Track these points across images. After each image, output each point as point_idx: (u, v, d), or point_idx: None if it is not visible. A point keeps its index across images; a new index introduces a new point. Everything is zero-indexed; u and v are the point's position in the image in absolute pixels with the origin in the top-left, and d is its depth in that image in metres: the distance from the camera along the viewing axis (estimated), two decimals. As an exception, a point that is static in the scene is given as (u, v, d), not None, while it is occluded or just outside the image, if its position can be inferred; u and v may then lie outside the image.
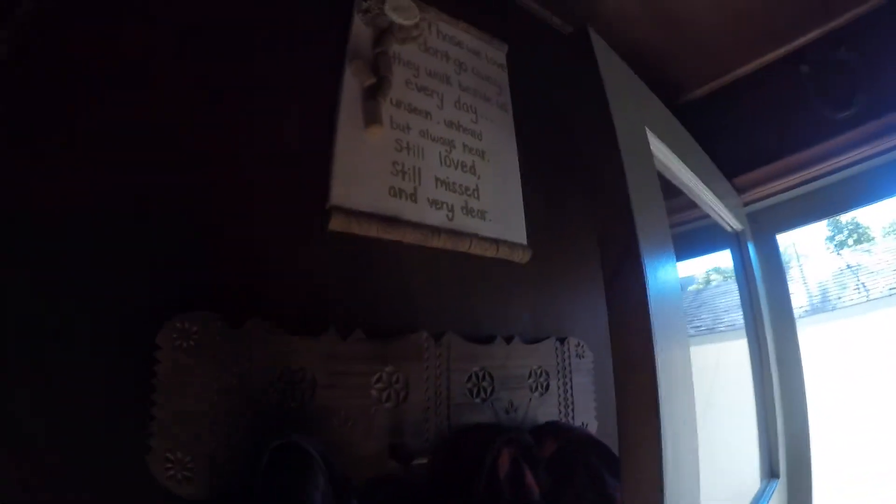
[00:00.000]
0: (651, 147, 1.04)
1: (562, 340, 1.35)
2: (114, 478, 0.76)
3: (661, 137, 1.14)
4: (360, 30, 1.26)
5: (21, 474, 0.71)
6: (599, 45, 0.93)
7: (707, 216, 1.63)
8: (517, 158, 1.45)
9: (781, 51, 1.59)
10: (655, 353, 0.71)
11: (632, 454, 0.74)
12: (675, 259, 0.95)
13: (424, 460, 1.00)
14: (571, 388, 1.33)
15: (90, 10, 0.93)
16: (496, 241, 1.28)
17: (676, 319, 0.89)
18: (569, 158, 1.58)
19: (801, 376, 1.59)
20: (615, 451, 1.07)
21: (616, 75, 0.97)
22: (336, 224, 1.06)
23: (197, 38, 1.03)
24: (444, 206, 1.23)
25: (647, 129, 1.05)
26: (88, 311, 0.80)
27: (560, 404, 1.30)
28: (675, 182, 1.33)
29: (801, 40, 1.54)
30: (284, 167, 1.07)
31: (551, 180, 1.54)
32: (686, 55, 1.69)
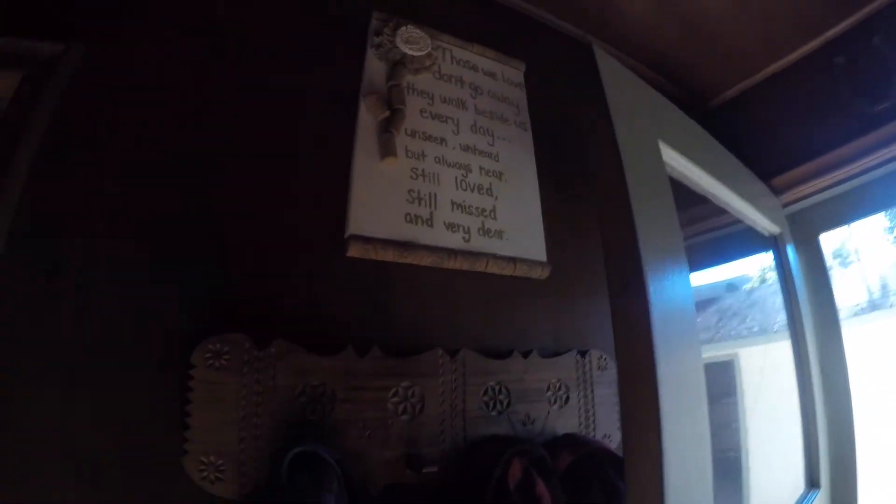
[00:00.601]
0: (665, 158, 1.04)
1: (583, 353, 1.37)
2: (156, 478, 0.89)
3: (679, 148, 1.13)
4: (374, 64, 1.34)
5: (80, 478, 0.84)
6: (604, 60, 0.95)
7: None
8: (536, 176, 1.48)
9: (813, 44, 1.50)
10: (658, 370, 0.72)
11: (635, 469, 0.76)
12: (687, 270, 0.94)
13: (435, 468, 1.05)
14: (593, 400, 1.34)
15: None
16: (513, 260, 1.32)
17: (685, 333, 0.88)
18: (587, 173, 1.58)
19: (846, 382, 1.49)
20: None
21: (623, 90, 0.99)
22: (354, 251, 1.14)
23: (221, 71, 1.15)
24: (461, 228, 1.28)
25: (660, 141, 1.05)
26: (134, 335, 0.93)
27: (581, 416, 1.31)
28: (703, 193, 1.31)
29: (833, 31, 1.46)
30: (305, 199, 1.17)
31: (573, 194, 1.55)
32: (712, 58, 1.64)
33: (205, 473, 0.89)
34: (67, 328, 0.88)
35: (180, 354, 0.93)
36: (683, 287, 0.91)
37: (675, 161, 1.13)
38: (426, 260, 1.21)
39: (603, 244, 0.90)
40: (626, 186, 0.84)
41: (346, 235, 1.15)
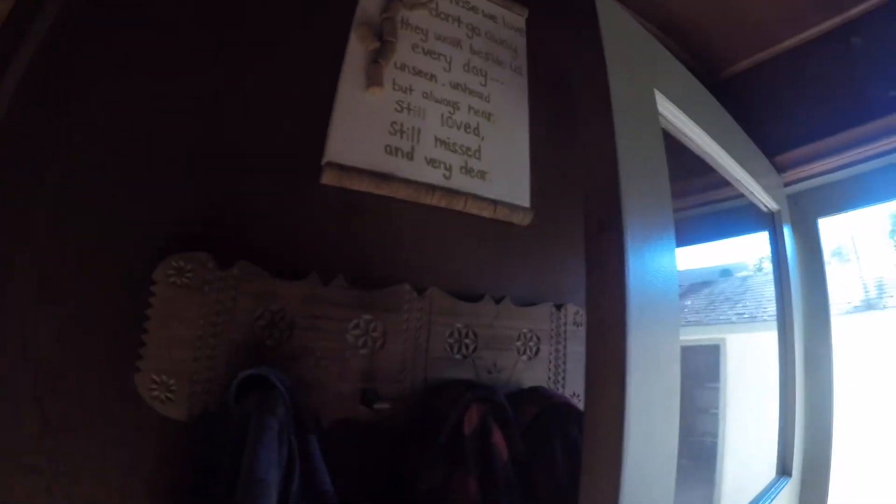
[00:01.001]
0: (660, 109, 1.00)
1: (559, 307, 1.34)
2: (109, 394, 0.89)
3: (677, 102, 1.08)
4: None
5: (35, 386, 0.84)
6: (606, 4, 0.90)
7: (742, 195, 1.52)
8: (527, 121, 1.44)
9: (833, 21, 1.41)
10: (628, 325, 0.68)
11: (594, 425, 0.71)
12: (672, 228, 0.89)
13: (387, 404, 1.04)
14: (565, 355, 1.32)
15: None
16: (494, 202, 1.30)
17: (663, 284, 0.83)
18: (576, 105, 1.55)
19: (830, 373, 1.43)
20: None
21: (620, 30, 0.94)
22: (328, 178, 1.13)
23: None
24: (442, 165, 1.26)
25: (656, 90, 1.00)
26: (103, 248, 0.93)
27: (550, 370, 1.29)
28: (702, 156, 1.26)
29: (855, 11, 1.37)
30: (285, 120, 1.15)
31: (565, 145, 1.51)
32: (727, 25, 1.55)
33: (155, 392, 0.89)
34: (42, 238, 0.89)
35: (144, 270, 0.92)
36: (665, 236, 0.87)
37: (672, 114, 1.08)
38: (402, 193, 1.20)
39: (583, 180, 0.85)
40: (613, 123, 0.78)
41: (323, 161, 1.14)
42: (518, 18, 1.55)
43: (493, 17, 1.50)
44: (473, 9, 1.48)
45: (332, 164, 1.14)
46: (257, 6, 1.19)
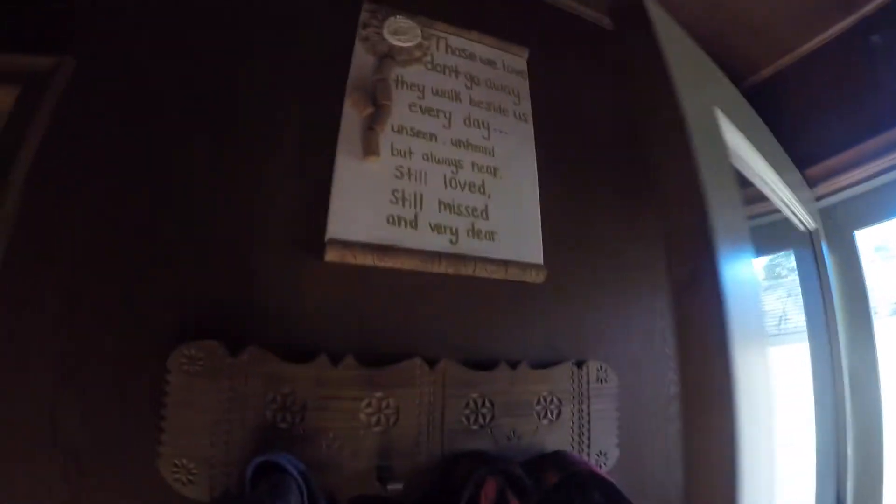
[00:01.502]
0: (723, 131, 0.91)
1: (580, 364, 1.28)
2: (134, 475, 0.93)
3: (733, 120, 1.00)
4: (362, 58, 1.29)
5: (64, 466, 0.89)
6: (658, 14, 0.82)
7: (774, 212, 1.43)
8: (535, 170, 1.38)
9: (848, 21, 1.32)
10: (735, 398, 0.60)
11: None
12: (752, 261, 0.81)
13: (400, 486, 1.01)
14: (589, 414, 1.25)
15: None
16: (505, 263, 1.24)
17: (757, 332, 0.74)
18: (595, 164, 1.49)
19: (879, 392, 1.34)
20: (622, 490, 1.01)
21: (678, 48, 0.86)
22: (332, 255, 1.11)
23: (198, 65, 1.16)
24: (448, 230, 1.22)
25: (717, 109, 0.92)
26: (117, 333, 0.97)
27: (574, 432, 1.23)
28: (745, 173, 1.18)
29: (870, 6, 1.27)
30: (285, 200, 1.15)
31: (577, 188, 1.45)
32: (741, 35, 1.48)
33: (177, 475, 0.92)
34: (57, 322, 0.94)
35: (159, 356, 0.95)
36: (751, 276, 0.78)
37: (730, 134, 0.98)
38: (409, 264, 1.16)
39: (665, 228, 0.77)
40: (694, 156, 0.70)
41: (326, 239, 1.12)
42: (518, 60, 1.49)
43: (491, 63, 1.45)
44: (470, 56, 1.43)
45: (334, 241, 1.11)
46: (250, 83, 1.19)
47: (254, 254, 1.10)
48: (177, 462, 0.92)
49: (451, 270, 1.20)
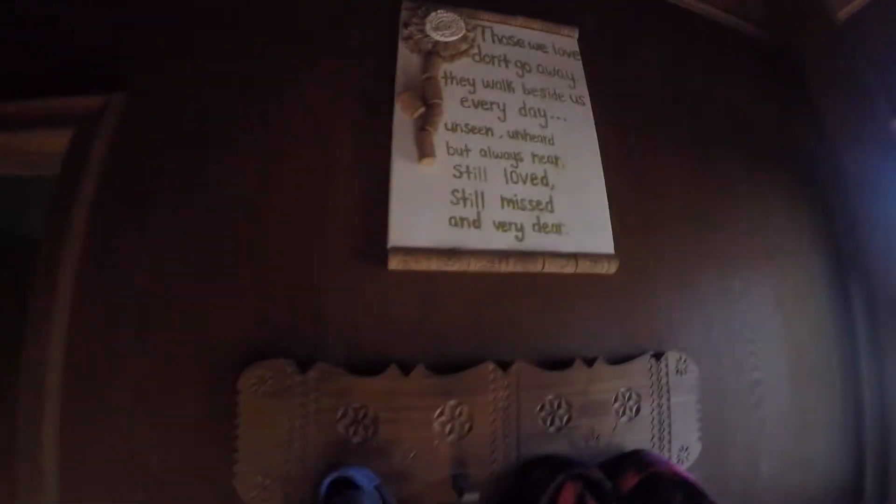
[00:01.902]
0: None
1: (658, 356, 1.20)
2: (211, 494, 0.96)
3: None
4: (407, 58, 1.25)
5: (143, 491, 0.93)
6: None
7: None
8: (598, 155, 1.30)
9: None
10: None
11: None
12: None
13: (476, 496, 0.97)
14: (669, 408, 1.17)
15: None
16: (574, 256, 1.18)
17: None
18: (665, 136, 1.41)
19: None
20: (704, 488, 0.94)
21: None
22: (395, 264, 1.08)
23: (247, 87, 1.17)
24: (513, 226, 1.16)
25: None
26: (187, 356, 1.00)
27: (654, 428, 1.15)
28: None
29: None
30: (345, 212, 1.13)
31: (646, 168, 1.36)
32: None
33: (254, 493, 0.94)
34: (130, 351, 0.98)
35: (228, 376, 0.98)
36: None
37: None
38: (475, 266, 1.12)
39: None
40: None
41: (388, 247, 1.09)
42: (569, 41, 1.41)
43: (541, 47, 1.38)
44: (519, 42, 1.36)
45: (396, 249, 1.08)
46: (299, 99, 1.19)
47: (316, 268, 1.09)
48: (252, 480, 0.94)
49: (519, 269, 1.14)
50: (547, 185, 1.23)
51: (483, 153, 1.21)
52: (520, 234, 1.16)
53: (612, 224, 1.25)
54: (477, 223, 1.14)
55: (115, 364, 0.96)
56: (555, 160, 1.26)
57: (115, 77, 1.12)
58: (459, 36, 1.27)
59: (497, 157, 1.21)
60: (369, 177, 1.15)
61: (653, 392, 1.18)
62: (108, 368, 0.96)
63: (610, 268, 1.21)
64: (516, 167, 1.22)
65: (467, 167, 1.18)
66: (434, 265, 1.09)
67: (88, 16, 1.16)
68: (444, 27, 1.26)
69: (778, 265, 1.44)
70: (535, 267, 1.15)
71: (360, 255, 1.11)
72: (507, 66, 1.32)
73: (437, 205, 1.14)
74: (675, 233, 1.33)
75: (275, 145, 1.14)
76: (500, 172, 1.20)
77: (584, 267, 1.18)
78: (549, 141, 1.27)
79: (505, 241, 1.15)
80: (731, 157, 1.48)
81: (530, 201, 1.20)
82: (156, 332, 0.99)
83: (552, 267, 1.16)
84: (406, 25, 1.27)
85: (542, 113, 1.30)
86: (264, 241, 1.08)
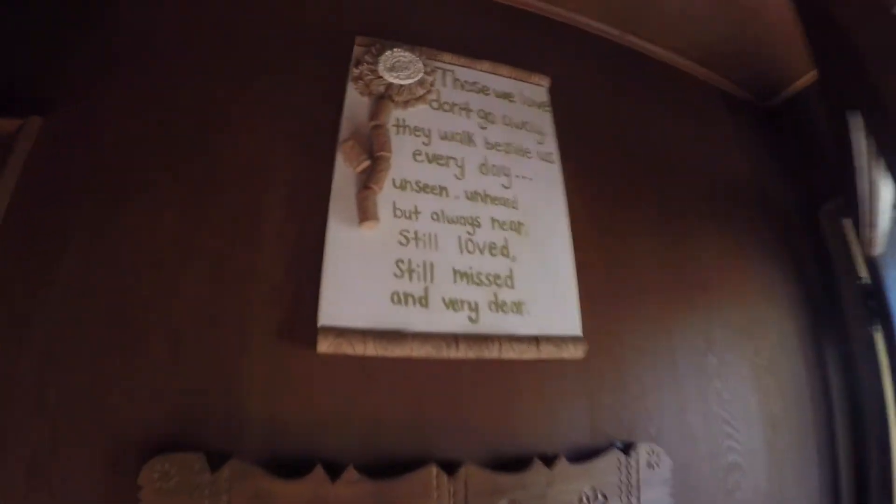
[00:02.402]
0: None
1: (627, 449, 1.06)
2: None
3: None
4: (356, 101, 1.10)
5: None
6: None
7: None
8: (567, 220, 1.16)
9: None
10: None
11: None
12: None
13: None
14: (638, 506, 1.03)
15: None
16: (536, 339, 1.03)
17: None
18: (637, 198, 1.30)
19: None
20: None
21: None
22: (326, 346, 0.91)
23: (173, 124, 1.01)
24: (466, 305, 1.01)
25: None
26: (87, 436, 0.82)
27: (623, 532, 1.01)
28: None
29: None
30: (270, 281, 0.96)
31: (617, 234, 1.23)
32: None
33: None
34: (28, 414, 0.81)
35: (131, 462, 0.82)
36: None
37: None
38: (419, 351, 0.95)
39: None
40: None
41: (318, 326, 0.92)
42: (539, 90, 1.28)
43: (507, 96, 1.24)
44: (483, 90, 1.22)
45: (327, 329, 0.92)
46: (230, 141, 1.04)
47: (235, 346, 0.92)
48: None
49: (471, 354, 0.98)
50: (507, 255, 1.08)
51: (435, 217, 1.05)
52: (473, 315, 1.01)
53: (579, 300, 1.11)
54: (424, 300, 0.98)
55: (10, 427, 0.80)
56: (517, 226, 1.11)
57: (32, 101, 0.96)
58: (417, 79, 1.12)
59: (451, 221, 1.06)
60: (302, 240, 0.99)
61: (621, 491, 1.04)
62: (2, 430, 0.79)
63: (576, 352, 1.06)
64: (473, 234, 1.07)
65: (416, 233, 1.03)
66: (371, 349, 0.93)
67: (8, 38, 1.00)
68: (400, 68, 1.11)
69: (755, 336, 1.34)
70: (490, 353, 1.00)
71: (287, 333, 0.94)
72: (468, 115, 1.18)
73: (377, 277, 0.98)
74: (648, 307, 1.21)
75: (197, 192, 0.98)
76: (453, 240, 1.05)
77: (548, 352, 1.04)
78: (511, 204, 1.13)
79: (456, 322, 0.99)
80: (706, 222, 1.38)
81: (487, 275, 1.05)
82: (56, 398, 0.82)
83: (510, 353, 1.01)
84: (358, 64, 1.12)
85: (506, 171, 1.16)
86: (179, 307, 0.91)
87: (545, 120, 1.24)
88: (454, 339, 0.97)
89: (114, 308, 0.89)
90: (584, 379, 1.09)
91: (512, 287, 1.05)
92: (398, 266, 0.99)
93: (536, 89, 1.27)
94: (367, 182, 1.01)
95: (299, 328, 0.94)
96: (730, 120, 1.59)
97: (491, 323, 1.02)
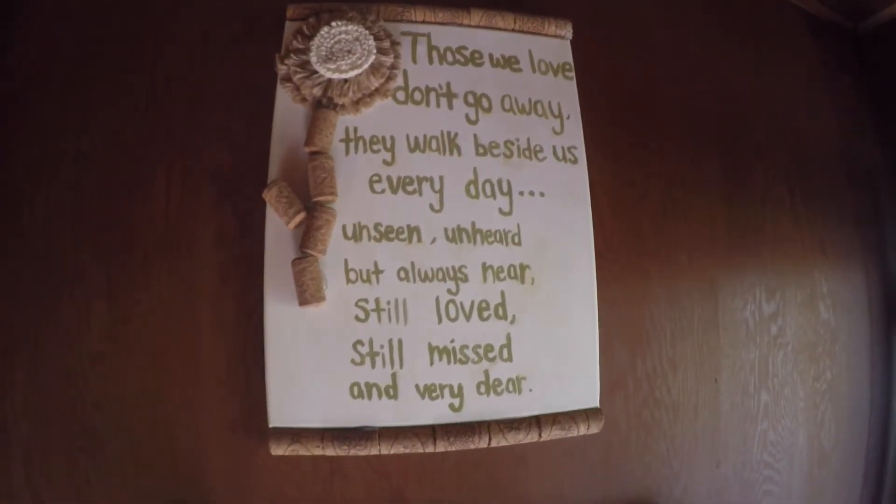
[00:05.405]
0: None
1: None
2: None
3: None
4: (288, 113, 0.78)
5: None
6: None
7: None
8: (593, 254, 0.84)
9: None
10: None
11: None
12: None
13: None
14: None
15: None
16: (538, 421, 0.81)
17: None
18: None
19: None
20: None
21: None
22: (279, 449, 0.76)
23: None
24: (446, 391, 0.79)
25: None
26: None
27: None
28: None
29: None
30: (215, 374, 0.82)
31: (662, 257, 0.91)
32: None
33: None
34: None
35: None
36: None
37: None
38: (388, 450, 0.78)
39: None
40: None
41: (270, 428, 0.77)
42: (557, 45, 0.85)
43: (512, 62, 0.83)
44: (474, 57, 0.82)
45: (280, 431, 0.76)
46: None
47: (194, 447, 0.81)
48: None
49: (455, 447, 0.80)
50: (504, 317, 0.81)
51: (403, 275, 0.79)
52: (456, 402, 0.80)
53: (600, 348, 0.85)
54: (391, 390, 0.78)
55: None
56: (520, 271, 0.82)
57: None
58: (367, 65, 0.76)
59: (425, 278, 0.79)
60: (242, 322, 0.81)
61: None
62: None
63: (592, 427, 0.84)
64: (456, 293, 0.80)
65: (377, 301, 0.78)
66: (330, 451, 0.77)
67: None
68: (340, 53, 0.75)
69: (819, 357, 1.05)
70: (479, 442, 0.80)
71: (242, 431, 0.81)
72: (450, 103, 0.81)
73: (332, 366, 0.77)
74: (688, 347, 0.92)
75: (125, 265, 0.81)
76: (428, 305, 0.79)
77: (554, 433, 0.82)
78: (512, 238, 0.82)
79: (434, 412, 0.79)
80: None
81: (476, 348, 0.80)
82: None
83: (502, 441, 0.80)
84: (286, 55, 0.77)
85: (506, 186, 0.82)
86: (122, 405, 0.80)
87: (567, 92, 0.84)
88: (431, 432, 0.78)
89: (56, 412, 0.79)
90: (602, 451, 0.89)
91: (509, 360, 0.81)
92: (356, 350, 0.77)
93: (554, 44, 0.84)
94: (303, 245, 0.75)
95: (253, 426, 0.80)
96: (816, 49, 1.07)
97: (480, 408, 0.80)
